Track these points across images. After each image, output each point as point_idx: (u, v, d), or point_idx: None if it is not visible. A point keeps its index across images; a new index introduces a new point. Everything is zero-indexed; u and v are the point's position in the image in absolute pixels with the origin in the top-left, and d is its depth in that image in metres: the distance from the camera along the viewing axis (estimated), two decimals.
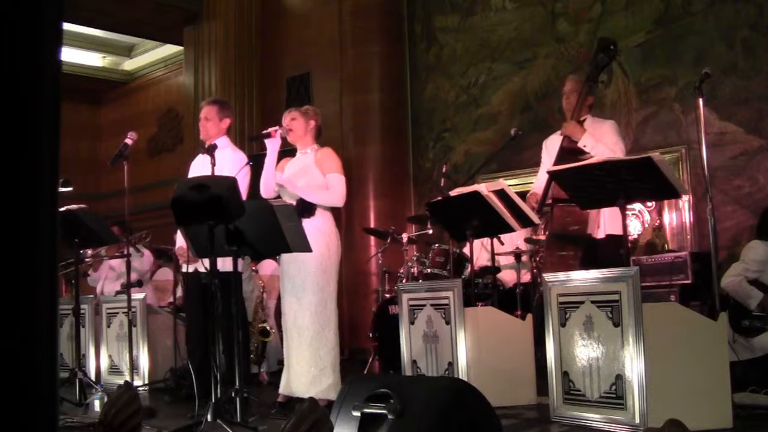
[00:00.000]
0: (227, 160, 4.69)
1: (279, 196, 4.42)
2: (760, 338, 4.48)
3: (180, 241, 4.97)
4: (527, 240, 5.84)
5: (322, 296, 4.29)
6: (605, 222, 4.51)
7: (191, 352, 4.93)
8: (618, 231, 4.31)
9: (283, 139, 4.51)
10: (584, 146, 4.51)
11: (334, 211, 4.54)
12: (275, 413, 4.21)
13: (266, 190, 4.48)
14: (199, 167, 4.92)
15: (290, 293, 4.36)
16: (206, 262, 3.87)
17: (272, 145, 4.46)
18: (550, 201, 4.67)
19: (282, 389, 4.40)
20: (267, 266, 6.91)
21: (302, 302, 4.29)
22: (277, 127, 4.49)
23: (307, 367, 4.27)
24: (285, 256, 4.37)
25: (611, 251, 4.32)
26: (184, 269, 5.04)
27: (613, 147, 4.49)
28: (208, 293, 3.94)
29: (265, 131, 4.52)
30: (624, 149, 4.61)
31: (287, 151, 4.74)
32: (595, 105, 4.93)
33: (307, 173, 4.44)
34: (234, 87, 9.39)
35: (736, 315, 4.57)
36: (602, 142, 4.51)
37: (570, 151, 4.58)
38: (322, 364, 4.26)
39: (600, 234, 4.54)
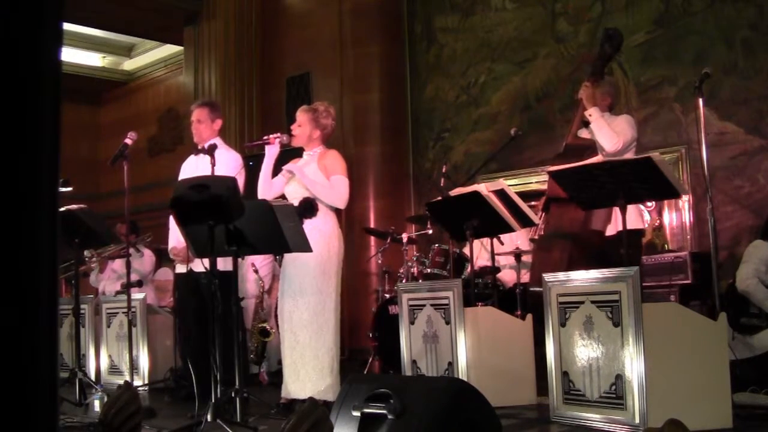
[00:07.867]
0: (222, 161, 4.68)
1: (283, 197, 4.40)
2: (759, 336, 4.48)
3: (173, 240, 4.95)
4: (532, 240, 5.83)
5: (320, 298, 4.24)
6: (616, 218, 4.45)
7: (185, 353, 4.92)
8: (629, 226, 4.26)
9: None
10: (589, 115, 4.48)
11: (337, 212, 4.52)
12: (275, 413, 4.20)
13: (263, 196, 4.42)
14: (193, 168, 4.91)
15: (288, 294, 4.32)
16: (206, 261, 3.87)
17: (270, 152, 4.45)
18: None
19: (283, 392, 4.39)
20: (266, 267, 6.90)
21: (299, 304, 4.26)
22: (277, 134, 4.46)
23: (305, 369, 4.24)
24: (286, 258, 4.35)
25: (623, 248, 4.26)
26: (179, 270, 5.01)
27: (617, 130, 4.42)
28: (203, 293, 3.93)
29: (265, 138, 4.49)
30: (629, 140, 4.47)
31: (294, 150, 4.73)
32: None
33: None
34: (234, 87, 9.38)
35: (736, 313, 4.56)
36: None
37: (573, 148, 4.57)
38: (320, 366, 4.23)
39: (611, 230, 4.49)
